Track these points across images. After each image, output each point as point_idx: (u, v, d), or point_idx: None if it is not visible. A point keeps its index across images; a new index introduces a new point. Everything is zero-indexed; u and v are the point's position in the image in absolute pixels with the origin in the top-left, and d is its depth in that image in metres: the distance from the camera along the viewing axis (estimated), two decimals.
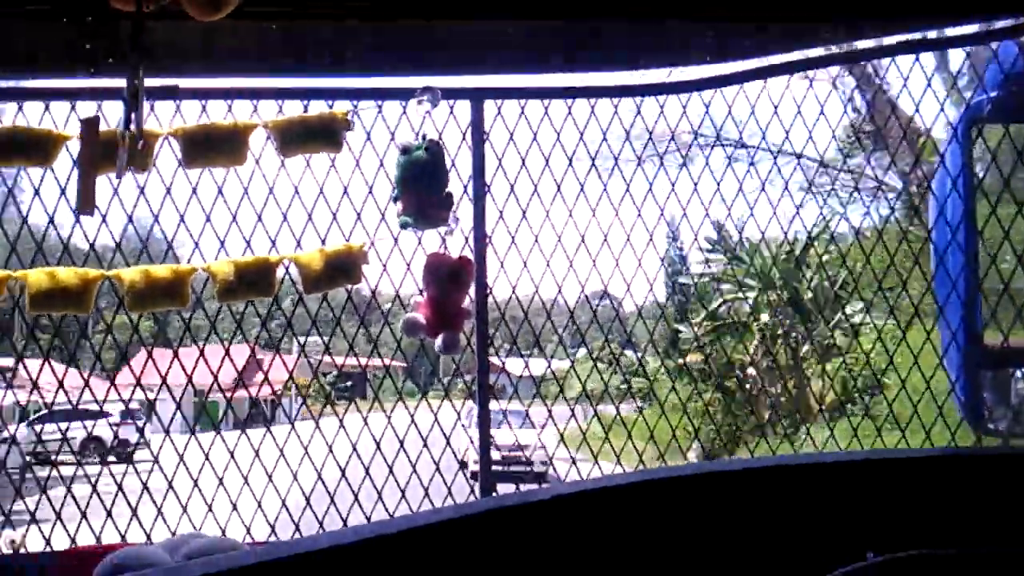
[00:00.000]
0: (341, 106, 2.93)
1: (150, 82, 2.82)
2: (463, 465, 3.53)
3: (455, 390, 3.92)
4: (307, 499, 3.40)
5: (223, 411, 4.51)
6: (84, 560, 2.69)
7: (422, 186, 2.85)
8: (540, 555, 1.39)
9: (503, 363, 4.51)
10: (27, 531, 3.20)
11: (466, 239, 3.12)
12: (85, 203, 2.44)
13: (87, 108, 2.80)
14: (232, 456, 3.27)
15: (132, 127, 2.33)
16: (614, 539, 1.48)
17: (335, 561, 1.22)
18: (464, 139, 3.13)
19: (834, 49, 3.10)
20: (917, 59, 3.16)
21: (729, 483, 1.65)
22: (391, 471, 3.39)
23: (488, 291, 3.20)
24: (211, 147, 2.71)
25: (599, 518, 1.47)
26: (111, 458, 4.81)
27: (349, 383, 18.99)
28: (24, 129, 2.76)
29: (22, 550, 3.07)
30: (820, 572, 1.40)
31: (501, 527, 1.41)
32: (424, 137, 2.86)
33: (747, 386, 14.15)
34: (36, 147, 2.70)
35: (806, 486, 1.69)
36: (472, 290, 3.05)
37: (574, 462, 3.96)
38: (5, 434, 3.58)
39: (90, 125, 2.50)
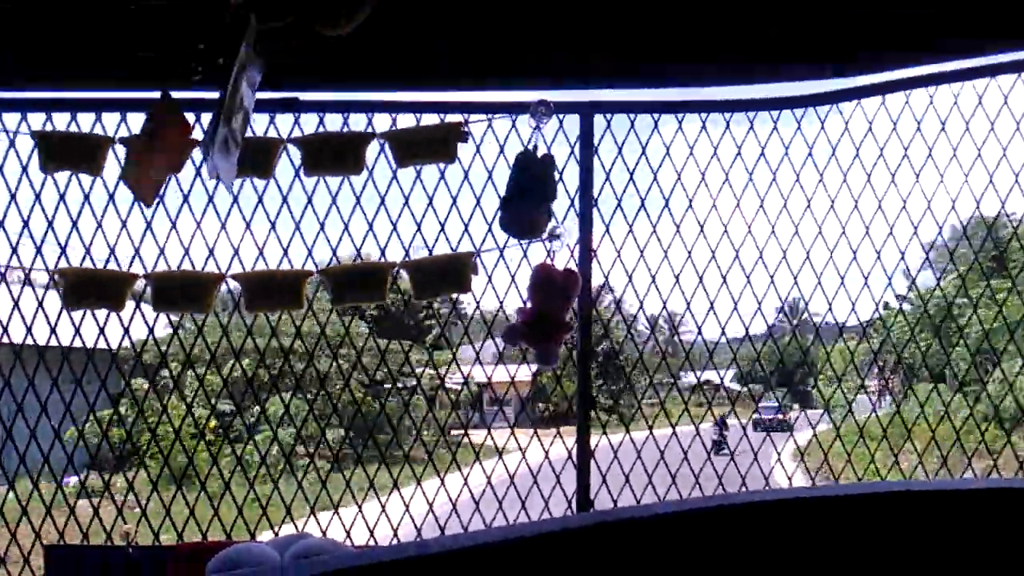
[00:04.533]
0: (452, 119, 3.00)
1: (270, 95, 2.96)
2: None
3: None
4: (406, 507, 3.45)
5: None
6: (194, 555, 2.78)
7: (530, 197, 2.88)
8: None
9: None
10: (138, 525, 3.32)
11: (571, 252, 3.12)
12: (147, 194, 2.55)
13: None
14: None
15: (237, 135, 2.43)
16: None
17: (439, 566, 1.22)
18: (572, 153, 3.13)
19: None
20: None
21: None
22: None
23: (594, 305, 3.18)
24: (331, 156, 2.80)
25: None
26: None
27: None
28: (74, 135, 2.87)
29: (135, 543, 3.18)
30: None
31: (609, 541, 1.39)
32: (535, 148, 2.90)
33: None
34: (83, 154, 2.81)
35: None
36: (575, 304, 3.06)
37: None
38: None
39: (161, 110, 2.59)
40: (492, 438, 3.52)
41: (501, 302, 3.24)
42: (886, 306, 4.86)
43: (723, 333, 3.55)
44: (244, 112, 2.20)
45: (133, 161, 2.51)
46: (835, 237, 3.27)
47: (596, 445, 3.38)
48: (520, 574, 1.30)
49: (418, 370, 6.34)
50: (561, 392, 4.73)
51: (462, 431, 4.22)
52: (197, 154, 2.87)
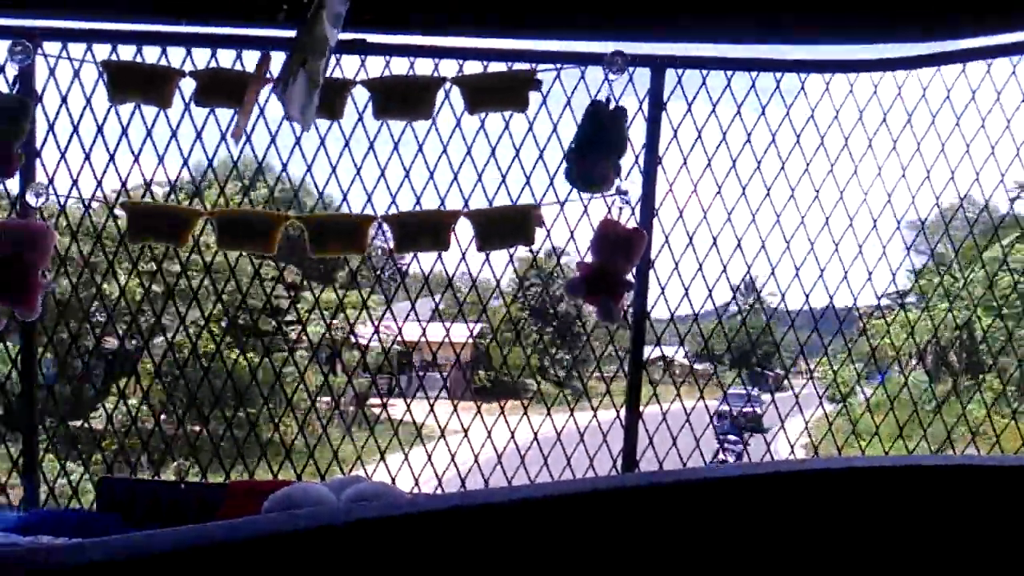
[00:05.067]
0: (520, 67, 2.93)
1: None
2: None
3: None
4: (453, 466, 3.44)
5: None
6: (248, 493, 2.80)
7: (599, 149, 2.82)
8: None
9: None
10: (189, 462, 3.35)
11: (632, 210, 3.07)
12: (237, 129, 2.51)
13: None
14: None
15: (318, 75, 2.38)
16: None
17: (487, 518, 1.20)
18: (640, 107, 3.07)
19: None
20: None
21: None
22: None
23: (651, 264, 3.14)
24: (402, 99, 2.75)
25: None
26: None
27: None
28: (144, 66, 2.82)
29: (186, 479, 3.21)
30: None
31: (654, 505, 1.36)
32: (608, 101, 2.84)
33: None
34: (153, 85, 2.75)
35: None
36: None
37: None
38: None
39: (263, 62, 2.56)
40: (435, 416, 3.37)
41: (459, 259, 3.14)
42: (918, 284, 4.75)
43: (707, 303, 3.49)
44: (328, 51, 2.15)
45: (241, 114, 2.48)
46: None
47: (538, 429, 3.34)
48: (570, 529, 1.28)
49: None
50: (508, 360, 4.18)
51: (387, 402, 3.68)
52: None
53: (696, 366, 4.11)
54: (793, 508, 1.46)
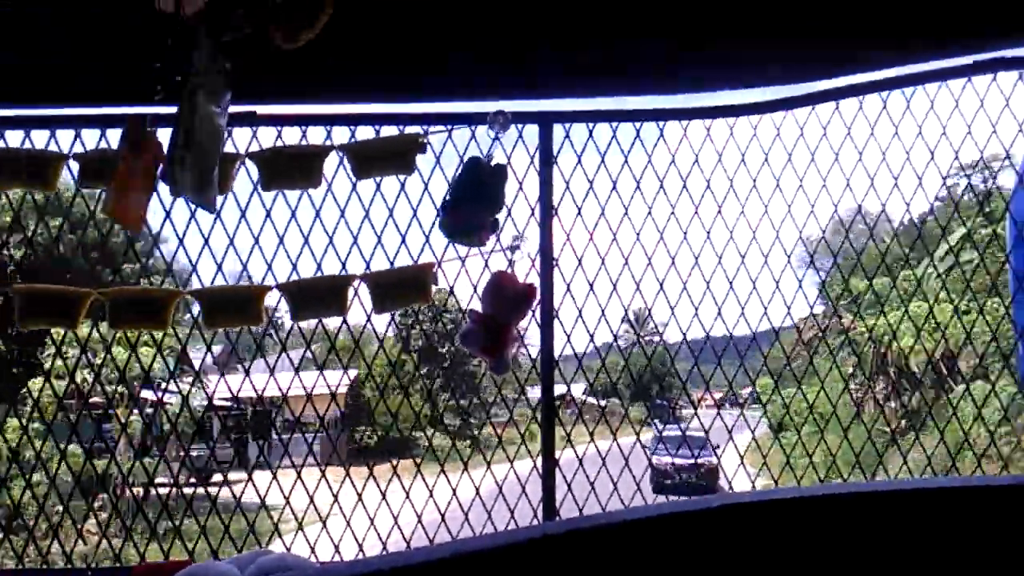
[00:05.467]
0: (411, 131, 2.99)
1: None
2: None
3: None
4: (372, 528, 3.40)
5: None
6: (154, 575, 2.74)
7: (475, 203, 2.88)
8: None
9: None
10: (99, 546, 3.26)
11: (532, 262, 3.13)
12: (129, 219, 2.44)
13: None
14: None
15: (212, 157, 2.39)
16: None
17: None
18: (532, 163, 3.14)
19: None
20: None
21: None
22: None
23: (555, 315, 3.18)
24: (289, 170, 2.78)
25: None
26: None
27: None
28: (25, 152, 2.81)
29: (95, 564, 3.12)
30: None
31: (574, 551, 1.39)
32: (490, 158, 2.90)
33: None
34: (35, 171, 2.74)
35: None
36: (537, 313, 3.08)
37: None
38: None
39: (134, 129, 2.48)
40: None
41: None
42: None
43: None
44: (218, 133, 2.17)
45: (112, 188, 2.44)
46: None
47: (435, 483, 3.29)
48: None
49: None
50: (392, 411, 3.79)
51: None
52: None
53: (601, 402, 4.17)
54: (719, 544, 1.48)
